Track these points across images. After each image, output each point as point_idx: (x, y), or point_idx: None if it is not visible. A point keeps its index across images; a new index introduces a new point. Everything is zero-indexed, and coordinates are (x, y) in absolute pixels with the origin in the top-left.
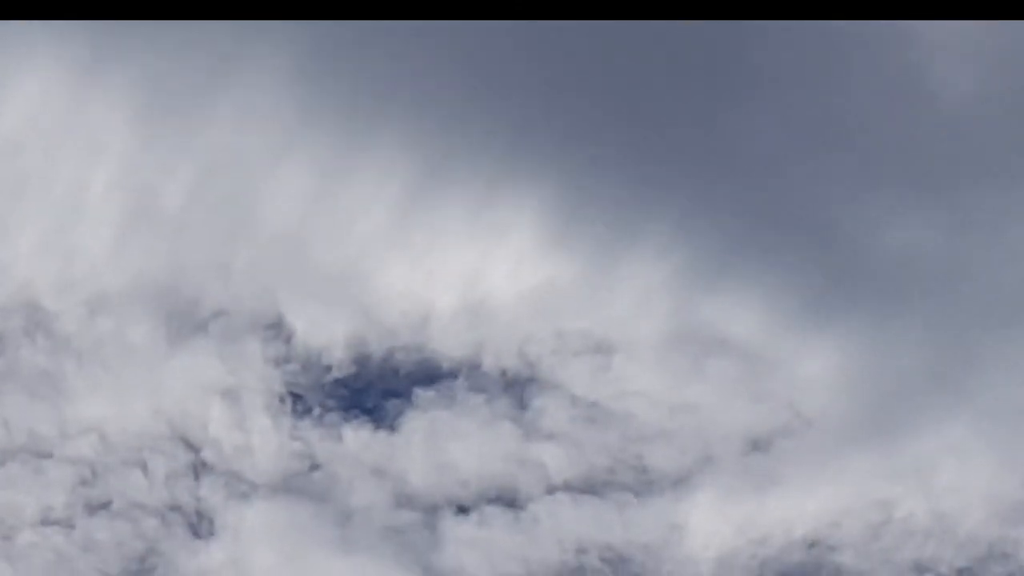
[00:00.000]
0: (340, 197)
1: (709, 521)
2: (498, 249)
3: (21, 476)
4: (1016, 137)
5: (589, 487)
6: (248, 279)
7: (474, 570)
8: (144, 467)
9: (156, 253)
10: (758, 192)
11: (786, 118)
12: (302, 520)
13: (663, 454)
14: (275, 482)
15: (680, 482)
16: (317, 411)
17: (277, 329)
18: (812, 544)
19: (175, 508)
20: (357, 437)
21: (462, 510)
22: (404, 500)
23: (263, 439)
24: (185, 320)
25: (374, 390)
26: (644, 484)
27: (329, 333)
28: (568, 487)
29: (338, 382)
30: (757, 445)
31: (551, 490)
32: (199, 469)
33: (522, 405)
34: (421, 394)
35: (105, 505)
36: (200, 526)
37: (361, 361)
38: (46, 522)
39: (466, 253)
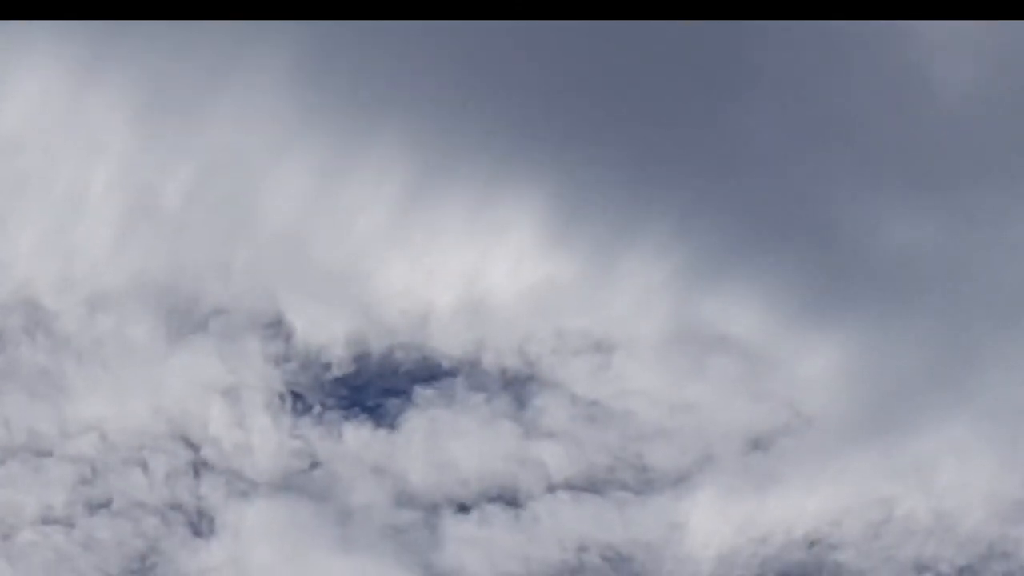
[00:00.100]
0: (340, 196)
1: (709, 520)
2: (498, 248)
3: (21, 475)
4: (1016, 136)
5: (589, 486)
6: (248, 278)
7: (474, 569)
8: (144, 466)
9: (156, 252)
10: (758, 191)
11: (786, 117)
12: (302, 519)
13: (663, 453)
14: (275, 481)
15: (680, 481)
16: (317, 410)
17: (277, 328)
18: (813, 543)
19: (175, 507)
20: (357, 436)
21: (462, 509)
22: (404, 499)
23: (263, 438)
24: (185, 319)
25: (374, 389)
26: (644, 483)
27: (329, 332)
28: (568, 486)
29: (338, 381)
30: (757, 444)
31: (551, 489)
32: (199, 468)
33: (522, 404)
34: (421, 393)
35: (105, 504)
36: (200, 525)
37: (361, 360)
38: (46, 521)
39: (466, 252)
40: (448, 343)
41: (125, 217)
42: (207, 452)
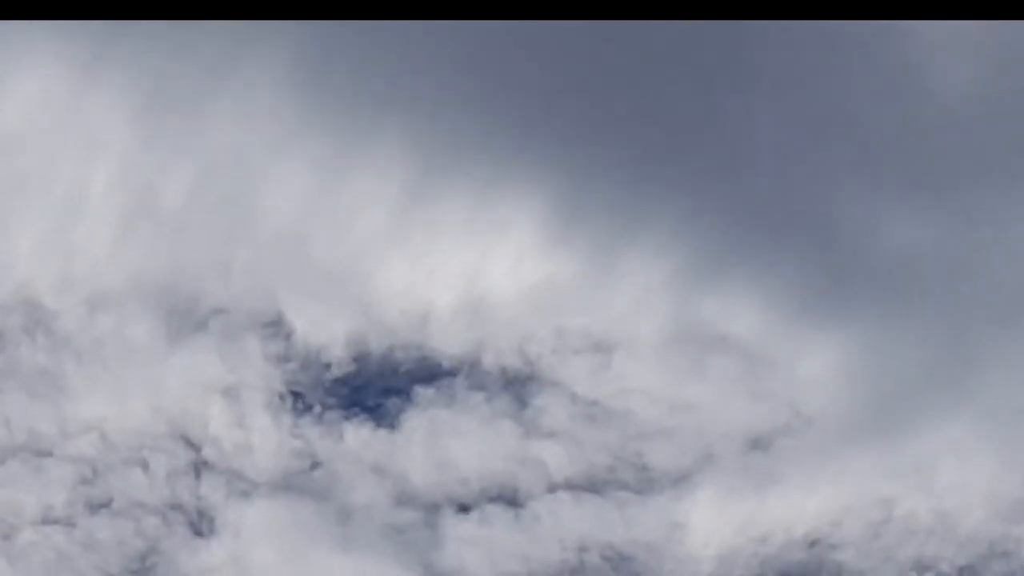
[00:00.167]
0: (340, 196)
1: (710, 519)
2: (498, 247)
3: (21, 475)
4: (1016, 136)
5: (590, 485)
6: (248, 277)
7: (475, 568)
8: (145, 466)
9: (156, 252)
10: (758, 191)
11: (786, 117)
12: (303, 518)
13: (663, 452)
14: (276, 480)
15: (681, 480)
16: (317, 409)
17: (277, 327)
18: (813, 543)
19: (176, 507)
20: (357, 435)
21: (463, 508)
22: (405, 498)
23: (263, 437)
24: (185, 318)
25: (374, 388)
26: (645, 482)
27: (329, 331)
28: (569, 485)
29: (338, 380)
30: (758, 444)
31: (552, 488)
32: (199, 467)
33: (522, 403)
34: (421, 392)
35: (106, 504)
36: (201, 524)
37: (361, 359)
38: (47, 521)
39: (466, 251)
40: (448, 343)
41: (125, 217)
42: (207, 452)
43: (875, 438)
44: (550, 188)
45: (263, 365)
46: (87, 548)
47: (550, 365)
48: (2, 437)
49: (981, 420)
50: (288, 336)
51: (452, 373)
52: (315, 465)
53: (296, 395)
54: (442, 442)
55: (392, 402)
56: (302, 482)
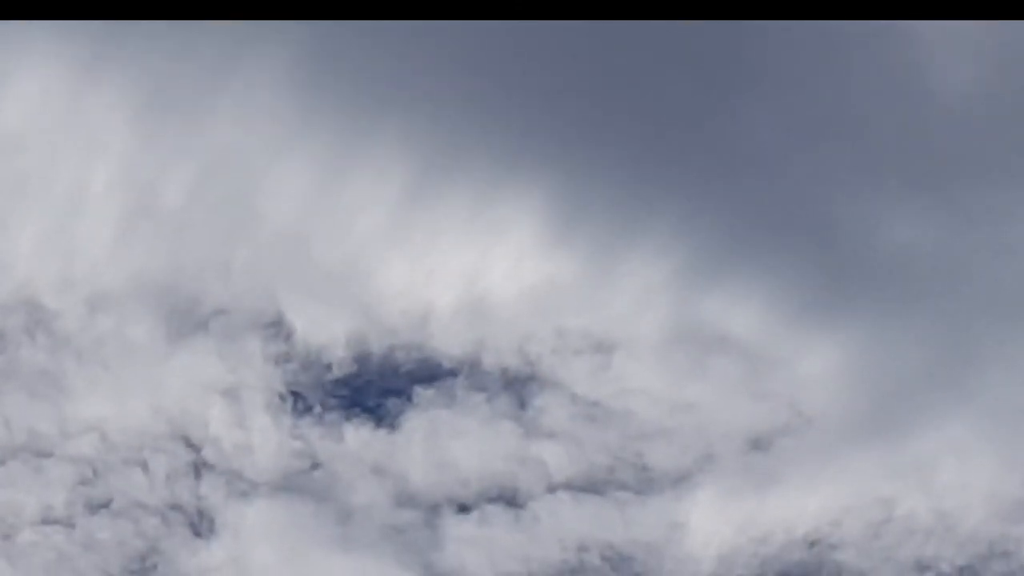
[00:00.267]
0: (340, 196)
1: (710, 520)
2: (498, 247)
3: (21, 475)
4: (1016, 136)
5: (590, 486)
6: (248, 277)
7: (475, 569)
8: (145, 466)
9: (156, 252)
10: (758, 191)
11: (786, 117)
12: (303, 519)
13: (664, 452)
14: (276, 481)
15: (681, 480)
16: (317, 410)
17: (277, 327)
18: (813, 542)
19: (176, 507)
20: (357, 436)
21: (463, 509)
22: (405, 499)
23: (263, 438)
24: (185, 318)
25: (374, 389)
26: (645, 482)
27: (329, 331)
28: (569, 486)
29: (338, 381)
30: (758, 444)
31: (552, 489)
32: (200, 468)
33: (522, 404)
34: (421, 393)
35: (106, 504)
36: (201, 525)
37: (361, 360)
38: (47, 521)
39: (466, 251)
40: (448, 343)
41: (125, 217)
42: (207, 452)
43: (875, 438)
44: (550, 188)
45: (263, 365)
46: (87, 548)
47: (550, 365)
48: (2, 437)
49: (981, 420)
50: (288, 336)
51: (452, 373)
52: (315, 465)
53: (296, 395)
54: (442, 442)
55: (392, 402)
56: (302, 482)
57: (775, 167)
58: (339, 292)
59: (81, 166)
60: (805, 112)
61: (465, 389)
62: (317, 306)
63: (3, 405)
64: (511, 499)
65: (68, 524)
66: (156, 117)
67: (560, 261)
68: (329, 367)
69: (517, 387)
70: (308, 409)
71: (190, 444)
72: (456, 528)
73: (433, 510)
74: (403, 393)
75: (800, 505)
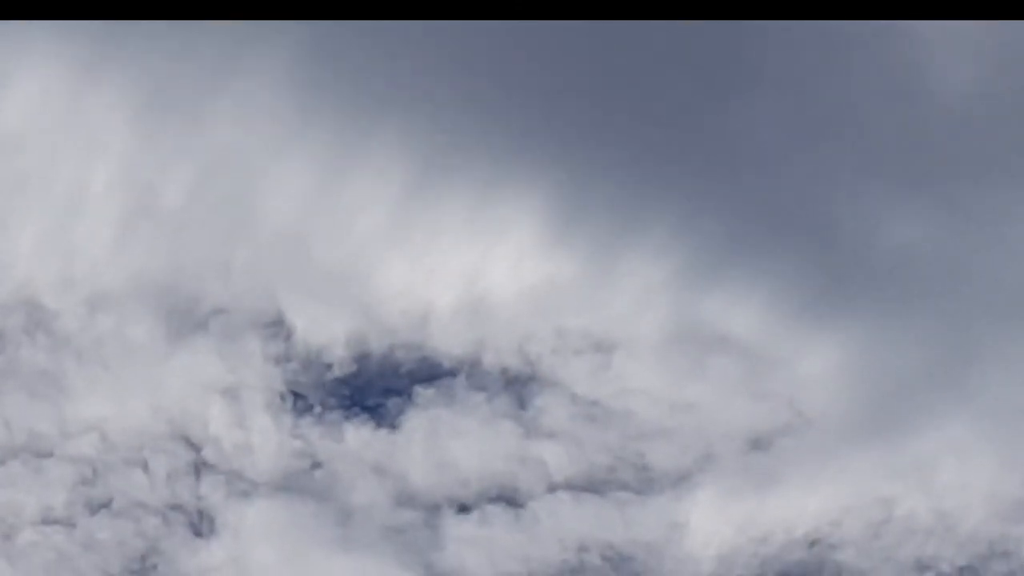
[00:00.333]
0: (340, 195)
1: (710, 519)
2: (498, 247)
3: (22, 475)
4: (1016, 136)
5: (590, 485)
6: (248, 277)
7: (475, 569)
8: (145, 466)
9: (156, 251)
10: (758, 190)
11: (786, 117)
12: (303, 519)
13: (664, 452)
14: (276, 481)
15: (681, 480)
16: (318, 409)
17: (277, 327)
18: (813, 542)
19: (176, 507)
20: (358, 435)
21: (463, 509)
22: (405, 499)
23: (264, 437)
24: (185, 318)
25: (374, 388)
26: (645, 482)
27: (329, 331)
28: (569, 485)
29: (338, 380)
30: (758, 443)
31: (552, 488)
32: (200, 468)
33: (522, 403)
34: (421, 392)
35: (106, 504)
36: (201, 525)
37: (361, 359)
38: (47, 521)
39: (466, 251)
40: (448, 343)
41: (125, 217)
42: (208, 452)
43: (875, 438)
44: (550, 188)
45: (263, 365)
46: (87, 548)
47: (550, 365)
48: (2, 437)
49: (981, 420)
50: (288, 336)
51: (452, 373)
52: (315, 465)
53: (296, 395)
54: (442, 442)
55: (392, 402)
56: (302, 482)
57: (775, 167)
58: (339, 292)
59: (81, 166)
60: (805, 112)
61: (465, 389)
62: (317, 306)
63: (3, 405)
64: (511, 499)
65: (68, 524)
66: (156, 117)
67: (560, 261)
68: (329, 367)
69: (517, 387)
70: (308, 409)
71: (190, 444)
72: (456, 528)
73: (433, 510)
74: (403, 393)
75: (800, 505)
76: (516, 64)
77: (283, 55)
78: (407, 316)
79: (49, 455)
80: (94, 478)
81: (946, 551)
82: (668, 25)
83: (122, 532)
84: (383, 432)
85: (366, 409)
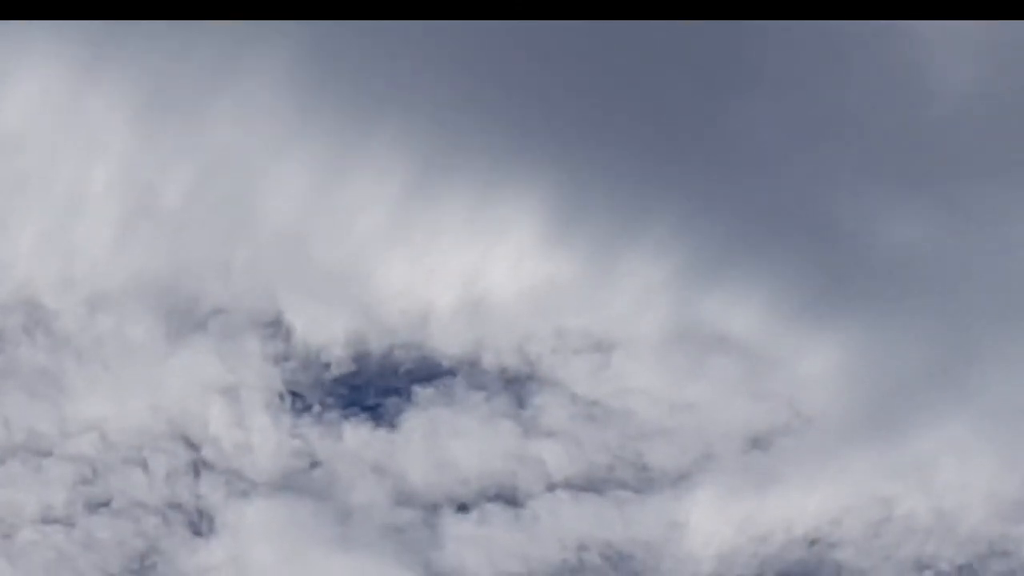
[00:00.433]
0: (340, 195)
1: (709, 519)
2: (498, 247)
3: (21, 474)
4: (1016, 136)
5: (589, 485)
6: (248, 277)
7: (474, 568)
8: (144, 465)
9: (156, 251)
10: (758, 190)
11: (786, 116)
12: (302, 518)
13: (663, 452)
14: (275, 480)
15: (680, 480)
16: (317, 409)
17: (277, 327)
18: (813, 542)
19: (175, 506)
20: (357, 435)
21: (462, 508)
22: (404, 498)
23: (263, 437)
24: (185, 318)
25: (374, 388)
26: (644, 482)
27: (329, 331)
28: (568, 485)
29: (338, 380)
30: (757, 443)
31: (551, 488)
32: (199, 467)
33: (522, 403)
34: (421, 392)
35: (105, 503)
36: (200, 524)
37: (361, 359)
38: (46, 520)
39: (466, 251)
40: (448, 343)
41: (125, 217)
42: (207, 451)
43: (875, 438)
44: (550, 188)
45: (263, 365)
46: (87, 548)
47: (550, 365)
48: (2, 437)
49: (981, 420)
50: (288, 336)
51: (452, 373)
52: (314, 465)
53: (296, 395)
54: (442, 442)
55: (392, 402)
56: (301, 482)
57: (775, 167)
58: (339, 292)
59: (81, 166)
60: (805, 112)
61: (464, 388)
62: (316, 306)
63: (3, 405)
64: (511, 498)
65: (68, 524)
66: (156, 117)
67: (560, 261)
68: (328, 366)
69: (516, 386)
70: (307, 408)
71: (190, 443)
72: (456, 527)
73: (432, 509)
74: (402, 392)
75: (800, 505)
76: (516, 64)
77: (283, 55)
78: (406, 316)
79: (49, 454)
80: (94, 477)
81: (946, 550)
82: (668, 25)
83: (121, 531)
84: (382, 431)
85: (365, 409)
